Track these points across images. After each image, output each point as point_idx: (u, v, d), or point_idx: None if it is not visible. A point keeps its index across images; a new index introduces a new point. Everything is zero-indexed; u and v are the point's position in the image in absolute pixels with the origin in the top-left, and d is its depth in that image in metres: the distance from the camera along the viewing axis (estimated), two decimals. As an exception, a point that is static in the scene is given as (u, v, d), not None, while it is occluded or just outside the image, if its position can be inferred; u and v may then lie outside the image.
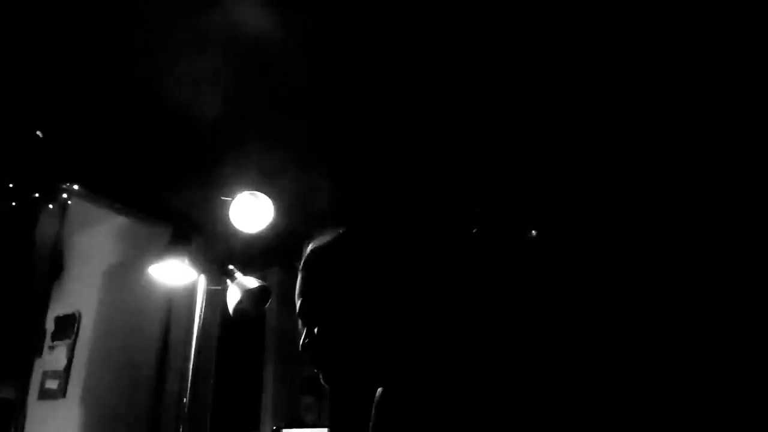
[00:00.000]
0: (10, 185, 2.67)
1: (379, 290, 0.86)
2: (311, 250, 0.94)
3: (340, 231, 0.94)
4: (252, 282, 2.04)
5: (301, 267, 0.95)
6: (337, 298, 0.88)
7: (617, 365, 1.61)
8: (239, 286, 2.03)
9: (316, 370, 0.89)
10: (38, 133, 2.22)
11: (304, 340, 0.90)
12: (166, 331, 3.18)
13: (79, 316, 3.03)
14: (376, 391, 0.83)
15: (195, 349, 2.20)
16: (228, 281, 2.07)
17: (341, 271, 0.89)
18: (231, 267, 2.09)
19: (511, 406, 0.77)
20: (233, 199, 2.15)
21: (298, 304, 0.92)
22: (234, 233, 2.19)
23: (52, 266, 3.23)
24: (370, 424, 0.81)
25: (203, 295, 2.26)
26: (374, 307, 0.85)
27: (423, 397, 0.78)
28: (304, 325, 0.91)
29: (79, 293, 3.13)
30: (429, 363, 0.81)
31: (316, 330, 0.88)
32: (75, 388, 2.88)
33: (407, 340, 0.83)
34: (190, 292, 2.42)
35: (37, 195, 2.90)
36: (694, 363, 1.56)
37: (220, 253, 2.40)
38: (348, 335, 0.86)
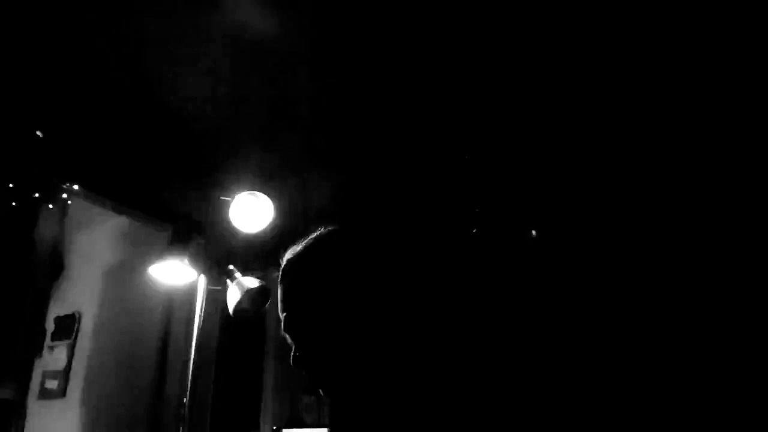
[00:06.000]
0: (10, 185, 2.68)
1: (361, 296, 0.82)
2: (287, 261, 0.89)
3: (314, 236, 0.89)
4: (252, 282, 2.04)
5: (279, 279, 0.89)
6: (319, 308, 0.83)
7: (616, 365, 1.61)
8: (239, 286, 2.03)
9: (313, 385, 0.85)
10: (38, 133, 2.22)
11: (294, 354, 0.86)
12: (166, 331, 3.19)
13: (79, 316, 3.03)
14: (376, 395, 0.80)
15: (195, 349, 2.20)
16: (228, 281, 2.07)
17: (320, 279, 0.84)
18: (231, 267, 2.09)
19: (512, 407, 0.77)
20: (233, 199, 2.15)
21: (282, 318, 0.87)
22: (234, 233, 2.19)
23: (52, 266, 3.23)
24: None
25: (203, 295, 2.26)
26: (359, 315, 0.81)
27: (421, 403, 0.77)
28: (291, 339, 0.86)
29: (79, 293, 3.13)
30: (427, 368, 0.79)
31: (304, 344, 0.84)
32: (75, 388, 2.87)
33: (399, 346, 0.80)
34: (190, 292, 2.42)
35: (37, 195, 2.90)
36: (694, 362, 1.56)
37: (220, 253, 2.39)
38: (337, 347, 0.82)
